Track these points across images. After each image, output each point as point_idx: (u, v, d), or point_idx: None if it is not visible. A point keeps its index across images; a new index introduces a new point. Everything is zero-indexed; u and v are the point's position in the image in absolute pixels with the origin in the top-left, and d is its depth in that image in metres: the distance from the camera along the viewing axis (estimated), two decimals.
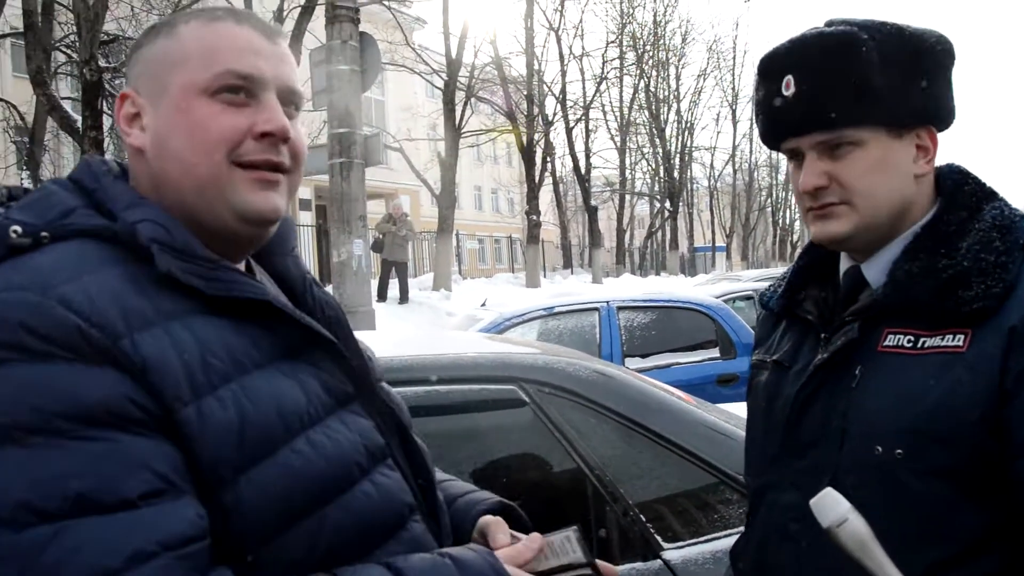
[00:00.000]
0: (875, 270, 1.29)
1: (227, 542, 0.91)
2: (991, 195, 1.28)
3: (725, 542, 1.89)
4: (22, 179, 15.77)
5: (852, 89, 1.21)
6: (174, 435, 0.89)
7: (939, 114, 1.27)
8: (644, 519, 2.08)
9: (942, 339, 1.16)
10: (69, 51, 16.40)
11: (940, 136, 1.30)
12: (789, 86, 1.25)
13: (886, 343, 1.22)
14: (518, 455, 2.22)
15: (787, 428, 1.31)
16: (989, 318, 1.14)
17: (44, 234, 0.95)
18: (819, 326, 1.33)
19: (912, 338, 1.19)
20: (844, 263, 1.36)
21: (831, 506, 1.16)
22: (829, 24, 1.27)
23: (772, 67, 1.28)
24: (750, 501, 1.46)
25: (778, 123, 1.29)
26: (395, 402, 1.19)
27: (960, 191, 1.28)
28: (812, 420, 1.28)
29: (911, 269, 1.22)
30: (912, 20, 1.29)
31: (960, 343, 1.14)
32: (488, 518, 1.21)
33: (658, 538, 2.06)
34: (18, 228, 0.94)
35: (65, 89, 19.35)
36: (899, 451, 1.15)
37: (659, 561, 2.03)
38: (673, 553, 2.05)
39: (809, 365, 1.31)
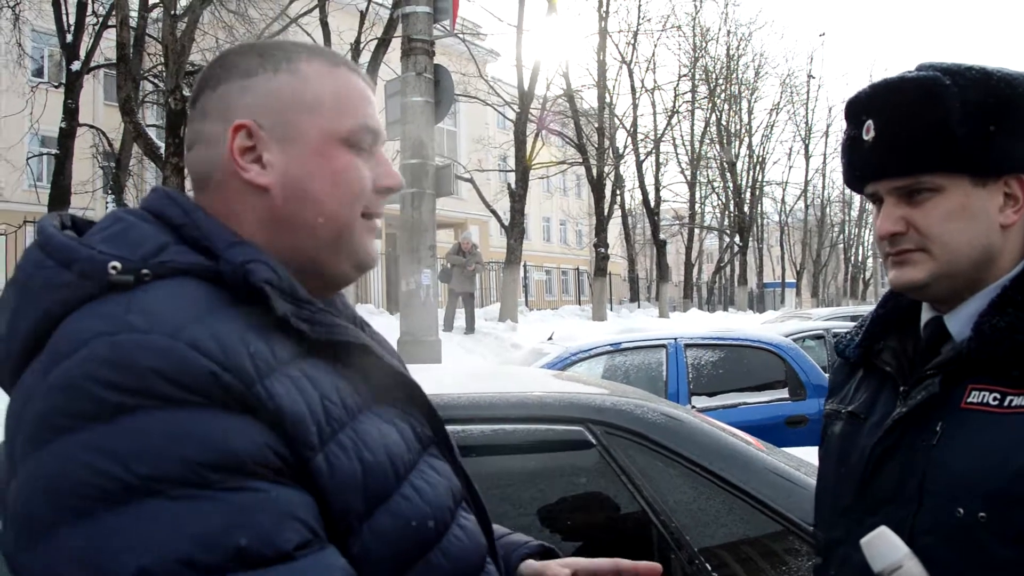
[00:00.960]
0: (959, 322, 1.24)
1: None
2: None
3: None
4: (108, 203, 16.36)
5: (929, 135, 1.18)
6: (308, 485, 0.87)
7: None
8: (710, 567, 2.04)
9: None
10: (156, 81, 17.05)
11: None
12: (869, 130, 1.23)
13: (970, 400, 1.17)
14: (583, 497, 2.20)
15: (862, 482, 1.27)
16: None
17: (145, 271, 0.89)
18: (898, 378, 1.29)
19: (999, 396, 1.14)
20: (926, 314, 1.32)
21: (887, 550, 1.12)
22: (920, 68, 1.25)
23: (854, 110, 1.28)
24: (822, 554, 1.42)
25: (858, 167, 1.28)
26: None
27: None
28: (888, 476, 1.24)
29: (998, 323, 1.17)
30: (1011, 63, 1.25)
31: None
32: (532, 562, 1.22)
33: None
34: (117, 264, 0.88)
35: (151, 117, 20.14)
36: (983, 514, 1.10)
37: None
38: None
39: (886, 418, 1.27)
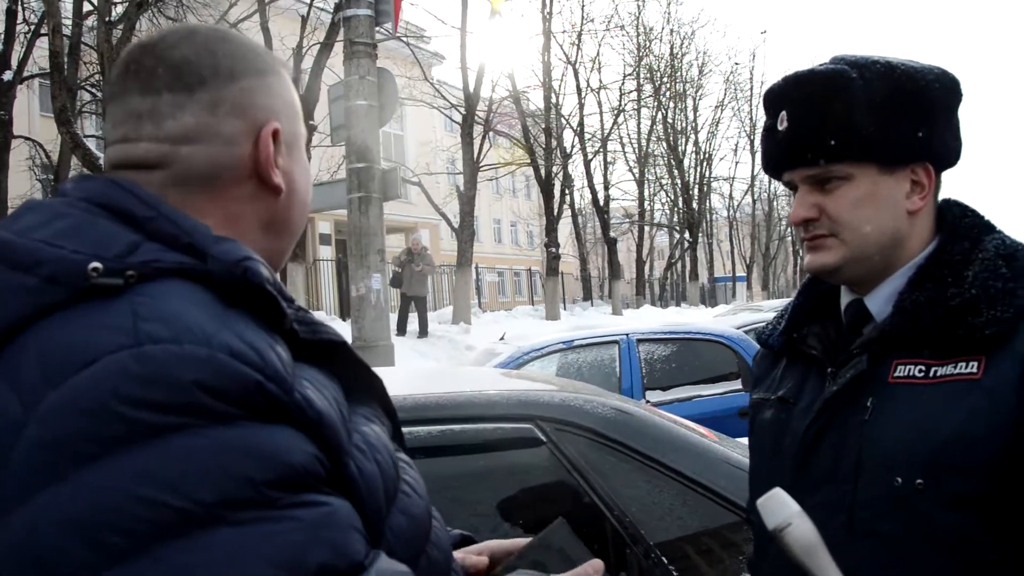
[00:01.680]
0: (878, 302, 1.29)
1: None
2: (989, 227, 1.30)
3: None
4: None
5: (837, 126, 1.23)
6: (345, 492, 0.82)
7: (936, 152, 1.27)
8: (666, 560, 2.01)
9: (955, 367, 1.16)
10: (93, 90, 16.69)
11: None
12: (783, 121, 1.29)
13: (896, 374, 1.22)
14: (535, 495, 2.17)
15: (797, 465, 1.30)
16: (1002, 344, 1.14)
17: (130, 273, 0.78)
18: (824, 361, 1.33)
19: (923, 368, 1.19)
20: (845, 297, 1.37)
21: (778, 508, 1.19)
22: (832, 59, 1.30)
23: (770, 102, 1.33)
24: (756, 541, 1.44)
25: (774, 156, 1.33)
26: None
27: (960, 223, 1.30)
28: (823, 455, 1.27)
29: (918, 298, 1.22)
30: (935, 60, 1.30)
31: (975, 370, 1.15)
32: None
33: None
34: (98, 265, 0.76)
35: (89, 127, 19.67)
36: (919, 482, 1.14)
37: None
38: None
39: (816, 400, 1.30)
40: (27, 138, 17.71)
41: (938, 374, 1.17)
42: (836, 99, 1.23)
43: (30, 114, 22.55)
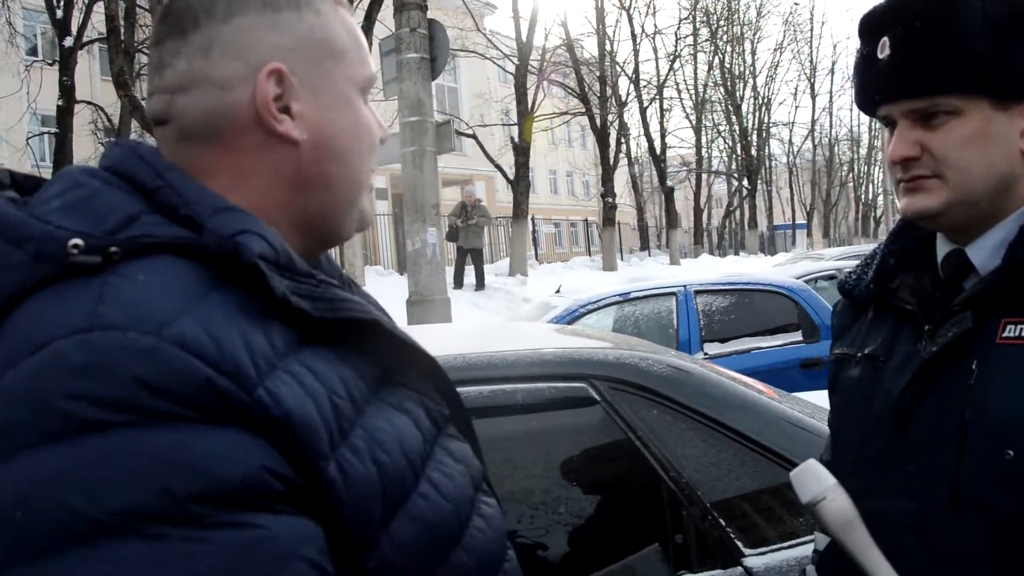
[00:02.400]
0: (983, 253, 1.17)
1: None
2: None
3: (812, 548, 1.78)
4: None
5: (950, 53, 1.10)
6: (319, 502, 0.73)
7: None
8: (723, 523, 1.97)
9: None
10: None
11: None
12: (884, 48, 1.15)
13: (1006, 334, 1.10)
14: (589, 455, 2.14)
15: (892, 429, 1.19)
16: None
17: (114, 250, 0.74)
18: (920, 316, 1.21)
19: None
20: (943, 247, 1.24)
21: (812, 482, 1.15)
22: None
23: (869, 27, 1.20)
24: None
25: (871, 88, 1.20)
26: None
27: None
28: (921, 421, 1.16)
29: None
30: None
31: None
32: None
33: (739, 543, 1.95)
34: (79, 242, 0.73)
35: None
36: None
37: (740, 568, 1.92)
38: (755, 560, 1.93)
39: (911, 359, 1.19)
40: (89, 102, 18.01)
41: None
42: (949, 22, 1.10)
43: (91, 78, 22.98)
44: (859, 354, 1.31)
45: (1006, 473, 1.06)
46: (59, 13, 15.35)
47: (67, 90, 15.10)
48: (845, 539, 1.11)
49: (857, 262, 1.43)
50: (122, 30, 13.17)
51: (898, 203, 1.22)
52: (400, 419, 0.85)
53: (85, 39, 16.48)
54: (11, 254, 0.74)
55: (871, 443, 1.23)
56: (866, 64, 1.20)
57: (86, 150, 18.39)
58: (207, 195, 0.82)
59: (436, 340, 2.36)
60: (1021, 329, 1.09)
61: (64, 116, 15.06)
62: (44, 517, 0.63)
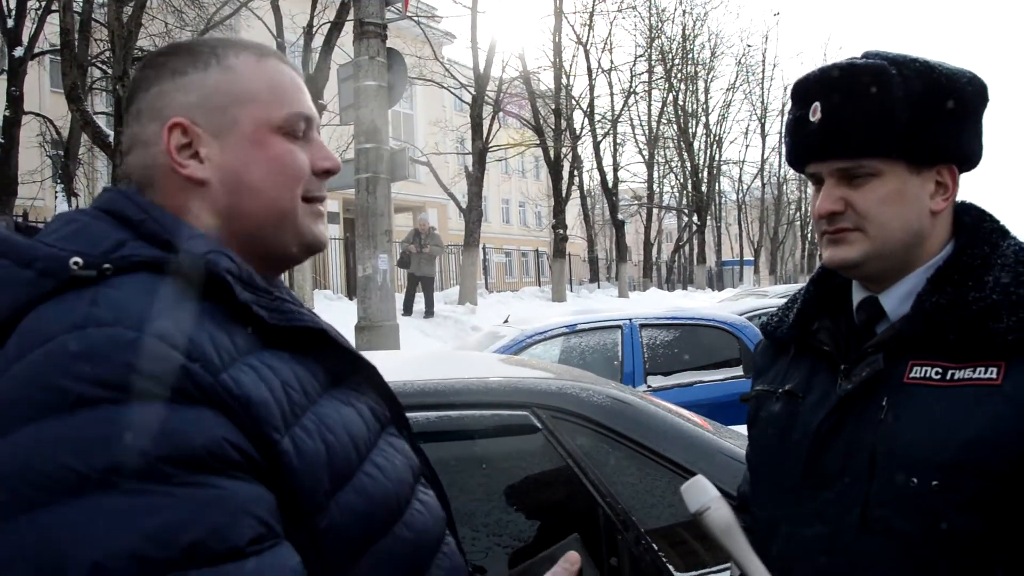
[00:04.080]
0: (894, 300, 1.30)
1: (320, 570, 0.92)
2: (1005, 232, 1.30)
3: None
4: (57, 192, 15.99)
5: (874, 121, 1.23)
6: (275, 469, 0.88)
7: (962, 153, 1.28)
8: (656, 548, 2.06)
9: (973, 371, 1.17)
10: (104, 67, 16.69)
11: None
12: (816, 112, 1.27)
13: (912, 375, 1.22)
14: (530, 482, 2.21)
15: (809, 459, 1.30)
16: (1023, 351, 1.14)
17: (107, 266, 0.90)
18: (837, 357, 1.33)
19: (940, 370, 1.20)
20: (858, 294, 1.36)
21: (699, 493, 1.29)
22: (866, 56, 1.29)
23: (802, 92, 1.31)
24: (758, 534, 1.43)
25: (802, 147, 1.32)
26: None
27: (980, 227, 1.30)
28: (836, 451, 1.27)
29: (939, 301, 1.22)
30: (945, 52, 1.31)
31: (994, 375, 1.15)
32: None
33: (671, 567, 2.04)
34: (79, 260, 0.89)
35: (100, 104, 19.70)
36: (935, 483, 1.15)
37: None
38: None
39: (828, 396, 1.31)
40: (37, 114, 17.72)
41: (955, 377, 1.18)
42: (876, 93, 1.23)
43: (41, 90, 22.56)
44: (779, 390, 1.42)
45: (910, 499, 1.17)
46: (10, 22, 15.11)
47: (15, 101, 14.83)
48: (727, 543, 1.25)
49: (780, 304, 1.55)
50: (76, 44, 13.02)
51: (822, 253, 1.34)
52: (347, 411, 1.02)
53: (37, 50, 16.24)
54: (21, 273, 0.90)
55: (789, 473, 1.34)
56: (798, 125, 1.32)
57: (32, 162, 18.06)
58: (183, 225, 1.00)
59: (384, 366, 2.41)
60: (926, 370, 1.21)
61: (10, 127, 14.77)
62: (41, 475, 0.77)
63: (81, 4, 14.12)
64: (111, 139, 12.22)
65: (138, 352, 0.83)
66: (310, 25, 16.91)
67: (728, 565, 2.04)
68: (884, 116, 1.22)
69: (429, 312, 15.43)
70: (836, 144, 1.26)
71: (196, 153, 1.04)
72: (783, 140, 1.40)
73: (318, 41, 16.06)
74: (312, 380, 0.99)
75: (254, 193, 1.05)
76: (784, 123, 1.39)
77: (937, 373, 1.20)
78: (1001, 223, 1.32)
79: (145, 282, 0.91)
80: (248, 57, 1.08)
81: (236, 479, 0.84)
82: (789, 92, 1.37)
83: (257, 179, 1.05)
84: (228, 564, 0.80)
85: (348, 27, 11.11)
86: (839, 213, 1.27)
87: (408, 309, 15.10)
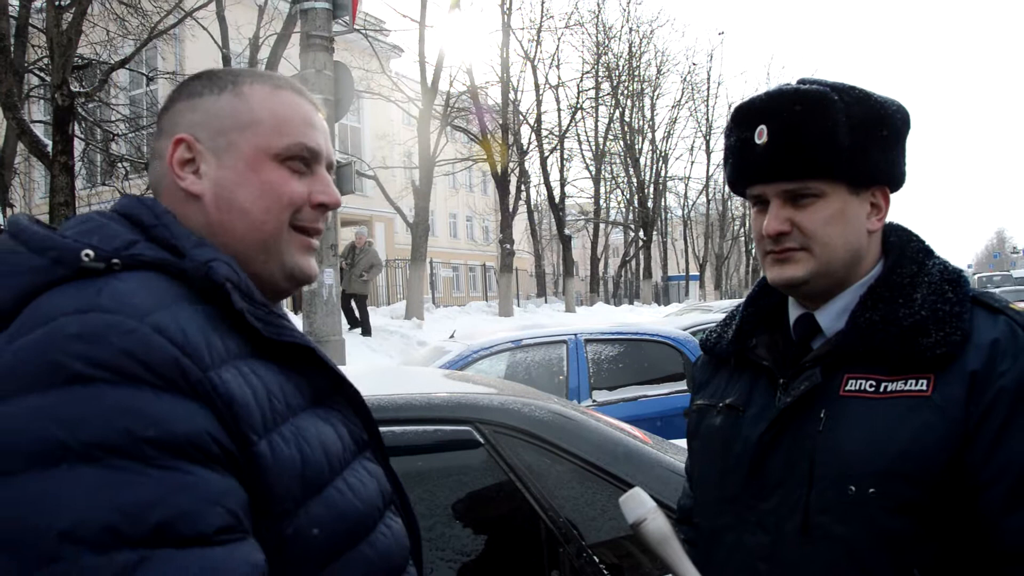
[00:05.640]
0: (829, 317, 1.35)
1: (286, 572, 0.95)
2: (930, 251, 1.37)
3: None
4: None
5: (819, 144, 1.28)
6: (249, 468, 0.92)
7: (893, 176, 1.35)
8: (598, 560, 2.08)
9: (905, 383, 1.23)
10: (42, 74, 16.32)
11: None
12: (762, 135, 1.32)
13: (848, 388, 1.28)
14: (473, 496, 2.21)
15: (750, 470, 1.35)
16: (951, 364, 1.21)
17: (115, 261, 0.97)
18: (776, 371, 1.38)
19: (874, 383, 1.26)
20: (794, 311, 1.42)
21: (636, 505, 1.35)
22: (803, 82, 1.34)
23: (747, 116, 1.35)
24: (702, 544, 1.48)
25: (748, 169, 1.36)
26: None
27: (908, 246, 1.37)
28: (776, 462, 1.32)
29: (872, 317, 1.29)
30: (879, 76, 1.38)
31: (924, 387, 1.22)
32: None
33: None
34: (90, 252, 0.96)
35: (38, 112, 19.24)
36: (872, 490, 1.21)
37: None
38: None
39: (767, 409, 1.35)
40: None
41: (888, 389, 1.24)
42: (821, 118, 1.28)
43: None
44: (720, 404, 1.47)
45: (849, 506, 1.23)
46: None
47: None
48: (663, 552, 1.29)
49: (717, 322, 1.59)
50: (12, 49, 12.71)
51: (765, 272, 1.39)
52: (325, 428, 1.06)
53: None
54: (35, 260, 0.96)
55: (731, 484, 1.39)
56: (743, 148, 1.36)
57: None
58: (190, 233, 1.07)
59: None
60: (861, 383, 1.27)
61: None
62: (24, 442, 0.81)
63: (17, 8, 13.81)
64: (48, 148, 11.93)
65: (136, 340, 0.87)
66: (256, 36, 16.79)
67: None
68: (828, 139, 1.28)
69: (366, 331, 14.64)
70: (783, 166, 1.30)
71: (197, 169, 1.11)
72: (725, 163, 1.43)
73: (264, 53, 15.95)
74: (296, 394, 1.03)
75: (242, 213, 1.10)
76: (726, 145, 1.42)
77: (871, 385, 1.26)
78: (926, 243, 1.39)
79: (150, 279, 0.97)
80: (263, 87, 1.15)
81: (212, 471, 0.87)
82: (730, 115, 1.41)
83: (246, 200, 1.10)
84: (194, 548, 0.82)
85: (295, 39, 11.05)
86: (786, 233, 1.32)
87: (353, 324, 14.59)
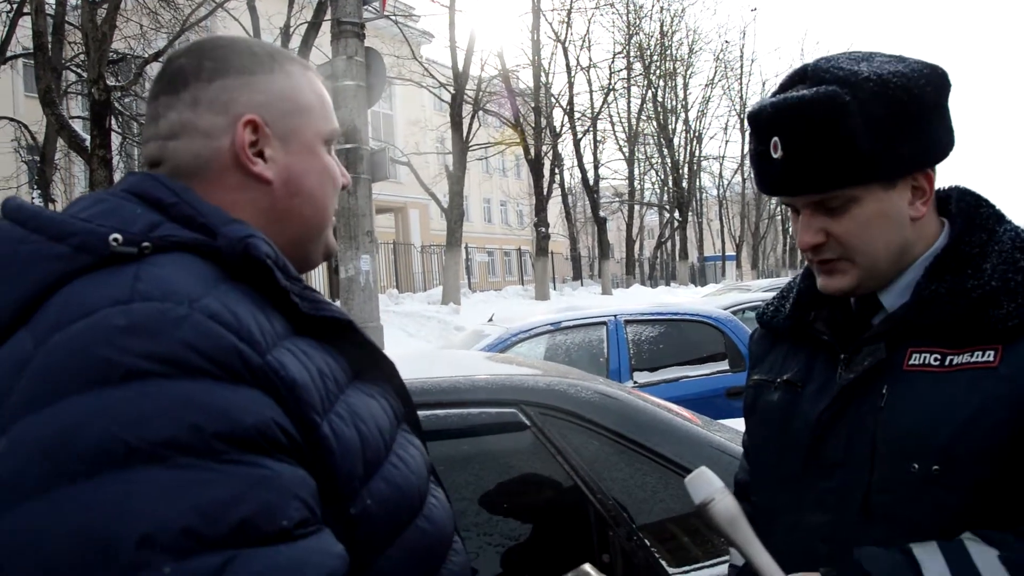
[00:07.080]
0: (892, 295, 1.29)
1: (351, 559, 0.90)
2: (1001, 217, 1.29)
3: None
4: (33, 198, 15.83)
5: (840, 155, 1.19)
6: (315, 453, 0.89)
7: (933, 153, 1.25)
8: (648, 543, 2.04)
9: (971, 355, 1.17)
10: (79, 70, 16.52)
11: None
12: (776, 148, 1.23)
13: (911, 362, 1.22)
14: (519, 479, 2.19)
15: (809, 448, 1.30)
16: (1020, 334, 1.15)
17: (146, 244, 0.90)
18: (837, 346, 1.32)
19: (939, 356, 1.20)
20: None
21: (704, 485, 1.28)
22: (813, 71, 1.24)
23: (758, 128, 1.27)
24: (760, 523, 1.42)
25: (769, 182, 1.28)
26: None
27: (976, 213, 1.28)
28: (836, 440, 1.27)
29: (938, 289, 1.22)
30: (919, 45, 1.26)
31: (991, 358, 1.15)
32: None
33: (663, 563, 2.02)
34: (119, 236, 0.88)
35: (76, 108, 19.51)
36: (936, 467, 1.15)
37: None
38: None
39: (828, 385, 1.30)
40: (11, 119, 17.54)
41: (954, 363, 1.18)
42: (834, 127, 1.18)
43: (14, 94, 22.39)
44: (778, 380, 1.41)
45: (912, 485, 1.17)
46: None
47: None
48: (732, 534, 1.23)
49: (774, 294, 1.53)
50: (50, 47, 12.88)
51: (817, 278, 1.32)
52: (372, 403, 1.03)
53: (9, 54, 16.08)
54: (53, 248, 0.88)
55: (789, 462, 1.34)
56: (761, 159, 1.27)
57: (8, 168, 17.90)
58: (219, 210, 1.00)
59: None
60: (924, 357, 1.21)
61: None
62: (85, 446, 0.75)
63: (54, 7, 13.97)
64: (87, 143, 12.06)
65: (189, 329, 0.82)
66: (287, 26, 16.86)
67: (723, 559, 2.03)
68: (847, 148, 1.18)
69: None
70: (803, 180, 1.23)
71: (261, 152, 1.05)
72: (751, 169, 1.34)
73: (295, 42, 16.00)
74: (339, 370, 1.00)
75: (311, 199, 1.09)
76: (748, 151, 1.34)
77: (936, 359, 1.20)
78: (997, 208, 1.30)
79: (185, 261, 0.91)
80: (297, 68, 1.12)
81: (283, 462, 0.84)
82: (747, 119, 1.32)
83: (314, 186, 1.10)
84: (277, 545, 0.79)
85: (326, 27, 11.05)
86: (821, 244, 1.26)
87: None
